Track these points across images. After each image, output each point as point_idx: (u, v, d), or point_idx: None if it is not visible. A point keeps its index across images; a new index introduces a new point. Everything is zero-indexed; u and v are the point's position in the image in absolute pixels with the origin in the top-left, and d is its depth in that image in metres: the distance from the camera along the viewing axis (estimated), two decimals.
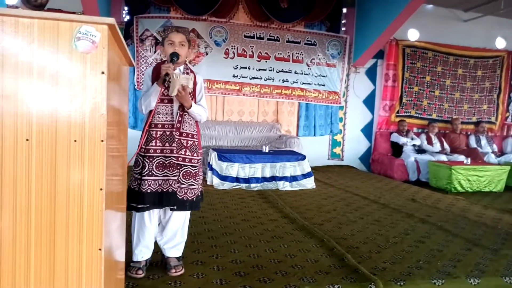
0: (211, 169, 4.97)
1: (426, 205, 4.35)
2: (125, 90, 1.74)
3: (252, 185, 4.91)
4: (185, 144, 2.16)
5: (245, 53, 6.59)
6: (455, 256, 2.68)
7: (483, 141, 7.18)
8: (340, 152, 7.35)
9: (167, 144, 2.13)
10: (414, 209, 4.12)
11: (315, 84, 6.95)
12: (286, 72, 6.79)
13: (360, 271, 2.30)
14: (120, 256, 1.68)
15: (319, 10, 6.68)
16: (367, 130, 7.45)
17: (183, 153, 2.15)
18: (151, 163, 2.10)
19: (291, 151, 5.63)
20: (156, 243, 2.27)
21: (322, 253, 2.64)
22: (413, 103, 7.42)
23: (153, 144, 2.12)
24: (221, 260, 2.43)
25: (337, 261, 2.50)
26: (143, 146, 2.11)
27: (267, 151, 5.29)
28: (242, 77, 6.60)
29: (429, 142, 6.83)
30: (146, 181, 2.09)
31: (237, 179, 4.93)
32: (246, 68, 6.60)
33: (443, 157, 6.38)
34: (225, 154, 4.96)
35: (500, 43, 7.64)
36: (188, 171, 2.16)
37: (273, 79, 6.74)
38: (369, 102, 7.39)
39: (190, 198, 2.16)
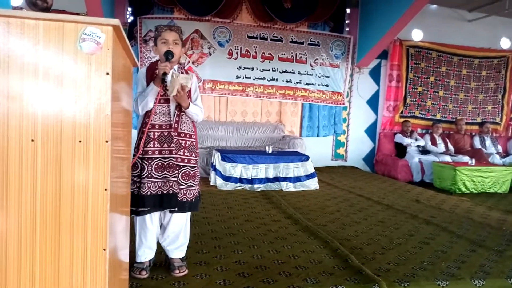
0: (215, 169, 4.97)
1: (430, 206, 4.33)
2: (130, 91, 1.75)
3: (256, 185, 4.91)
4: (183, 145, 2.16)
5: (248, 53, 6.59)
6: (460, 258, 2.67)
7: (488, 142, 7.14)
8: (343, 153, 7.33)
9: (165, 145, 2.10)
10: (418, 210, 4.10)
11: (318, 85, 6.94)
12: (290, 72, 6.78)
13: (364, 272, 2.29)
14: (125, 256, 1.68)
15: (322, 10, 6.67)
16: (371, 131, 7.42)
17: (181, 153, 2.14)
18: (150, 165, 2.08)
19: (295, 152, 5.63)
20: (159, 243, 2.28)
21: (326, 254, 2.64)
22: (417, 103, 7.39)
23: (151, 145, 2.09)
24: (224, 261, 2.43)
25: (340, 262, 2.49)
26: (140, 148, 2.08)
27: (270, 151, 5.29)
28: (246, 77, 6.61)
29: (433, 142, 6.80)
30: (146, 184, 2.06)
31: (240, 180, 4.93)
32: (249, 68, 6.61)
33: (448, 158, 6.35)
34: (228, 154, 4.97)
35: (505, 43, 7.60)
36: (187, 172, 2.16)
37: (277, 80, 6.74)
38: (373, 102, 7.37)
39: (189, 199, 2.16)
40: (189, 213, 2.27)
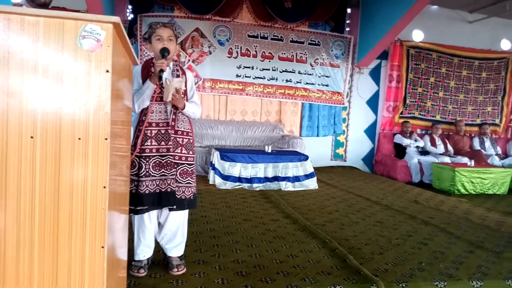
0: (214, 168, 4.97)
1: (429, 207, 4.34)
2: (130, 88, 1.75)
3: (255, 185, 4.91)
4: (180, 142, 2.16)
5: (248, 52, 6.59)
6: (458, 258, 2.67)
7: (487, 143, 7.15)
8: (343, 153, 7.33)
9: (162, 143, 2.10)
10: (417, 211, 4.11)
11: (318, 85, 6.94)
12: (290, 72, 6.78)
13: (362, 272, 2.29)
14: (123, 254, 1.68)
15: (323, 10, 6.67)
16: (370, 131, 7.43)
17: (179, 151, 2.15)
18: (147, 163, 2.07)
19: (294, 152, 5.63)
20: (157, 242, 2.28)
21: (324, 253, 2.64)
22: (417, 104, 7.40)
23: (149, 143, 2.09)
24: (223, 260, 2.43)
25: (339, 262, 2.49)
26: (137, 146, 2.07)
27: (269, 151, 5.29)
28: (246, 76, 6.60)
29: (433, 143, 6.80)
30: (144, 182, 2.06)
31: (239, 179, 4.93)
32: (249, 67, 6.60)
33: (447, 159, 6.35)
34: (227, 153, 4.96)
35: (506, 45, 7.60)
36: (185, 170, 2.17)
37: (277, 79, 6.73)
38: (373, 103, 7.37)
39: (187, 197, 2.17)
40: (186, 211, 2.27)
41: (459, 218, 3.88)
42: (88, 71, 1.17)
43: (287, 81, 6.78)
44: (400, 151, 6.76)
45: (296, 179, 5.04)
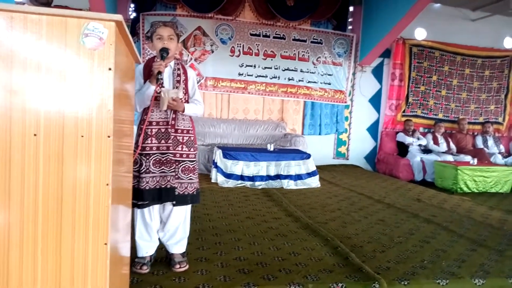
0: (216, 166, 4.98)
1: (431, 205, 4.33)
2: (132, 86, 1.75)
3: (257, 183, 4.91)
4: (181, 140, 2.19)
5: (250, 51, 6.58)
6: (460, 257, 2.67)
7: (490, 142, 7.12)
8: (345, 151, 7.33)
9: (163, 141, 2.14)
10: (419, 209, 4.10)
11: (321, 83, 6.93)
12: (292, 70, 6.77)
13: (364, 270, 2.30)
14: (126, 251, 1.69)
15: (325, 8, 6.65)
16: (372, 130, 7.41)
17: (179, 149, 2.18)
18: (147, 160, 2.11)
19: (296, 150, 5.63)
20: (160, 239, 2.29)
21: (326, 251, 2.64)
22: (420, 102, 7.37)
23: (149, 141, 2.12)
24: (225, 257, 2.44)
25: (341, 259, 2.49)
26: (139, 144, 2.10)
27: (272, 149, 5.29)
28: (248, 75, 6.60)
29: (435, 142, 6.78)
30: (144, 179, 2.09)
31: (241, 177, 4.93)
32: (251, 66, 6.60)
33: (449, 157, 6.34)
34: (230, 152, 4.97)
35: (509, 43, 7.56)
36: (187, 166, 2.20)
37: (279, 78, 6.73)
38: (375, 101, 7.36)
39: (190, 192, 2.19)
40: (188, 208, 2.29)
41: (461, 217, 3.87)
42: (90, 69, 1.18)
43: (289, 79, 6.78)
44: (403, 149, 6.75)
45: (298, 177, 5.04)
